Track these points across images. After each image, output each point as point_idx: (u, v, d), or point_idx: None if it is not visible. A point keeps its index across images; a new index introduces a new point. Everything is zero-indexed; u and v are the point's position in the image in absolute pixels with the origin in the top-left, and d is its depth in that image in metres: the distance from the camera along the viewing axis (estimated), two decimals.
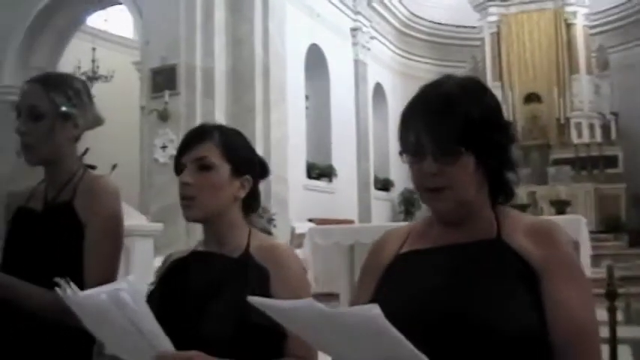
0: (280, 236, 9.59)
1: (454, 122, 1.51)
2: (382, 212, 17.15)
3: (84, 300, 1.57)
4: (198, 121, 8.78)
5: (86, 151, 2.47)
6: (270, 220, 9.23)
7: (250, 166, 2.04)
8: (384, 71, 18.38)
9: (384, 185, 17.85)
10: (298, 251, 7.63)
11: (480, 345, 1.35)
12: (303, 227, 9.76)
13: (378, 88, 18.15)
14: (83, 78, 12.40)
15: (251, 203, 2.07)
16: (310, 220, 11.76)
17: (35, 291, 2.11)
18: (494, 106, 1.61)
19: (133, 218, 6.14)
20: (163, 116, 10.24)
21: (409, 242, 1.69)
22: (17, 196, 2.45)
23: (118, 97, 13.38)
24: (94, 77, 14.83)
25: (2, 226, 2.42)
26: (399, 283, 1.59)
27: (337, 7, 15.65)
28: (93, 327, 1.63)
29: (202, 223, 2.01)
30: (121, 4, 12.11)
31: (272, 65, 11.02)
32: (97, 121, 2.43)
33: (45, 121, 2.27)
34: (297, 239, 9.65)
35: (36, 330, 2.15)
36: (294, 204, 11.62)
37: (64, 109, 2.28)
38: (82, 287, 2.10)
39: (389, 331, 1.17)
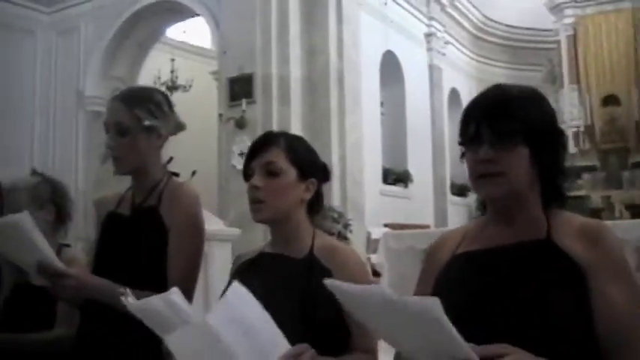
0: (356, 241, 9.63)
1: (514, 115, 1.60)
2: (458, 218, 16.90)
3: (142, 306, 1.68)
4: (274, 128, 8.84)
5: (170, 159, 2.58)
6: (347, 226, 9.25)
7: (314, 170, 2.15)
8: (459, 76, 18.24)
9: (461, 190, 17.65)
10: (373, 256, 7.68)
11: (526, 343, 1.39)
12: (378, 232, 9.76)
13: (454, 93, 17.99)
14: (163, 88, 12.69)
15: (314, 205, 2.17)
16: (386, 226, 11.72)
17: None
18: (551, 114, 1.70)
19: (211, 223, 6.26)
20: (240, 124, 10.35)
21: (464, 243, 1.77)
22: (105, 202, 2.61)
23: (197, 105, 13.58)
24: (173, 87, 15.09)
25: (93, 229, 2.58)
26: (452, 283, 1.66)
27: (411, 14, 15.60)
28: (157, 329, 1.72)
29: (270, 224, 2.12)
30: (199, 15, 12.36)
31: (346, 72, 11.02)
32: (179, 127, 2.56)
33: (130, 135, 2.41)
34: (373, 244, 9.66)
35: (116, 327, 2.24)
36: (370, 209, 11.59)
37: (147, 123, 2.42)
38: (165, 288, 2.24)
39: (444, 321, 1.24)
